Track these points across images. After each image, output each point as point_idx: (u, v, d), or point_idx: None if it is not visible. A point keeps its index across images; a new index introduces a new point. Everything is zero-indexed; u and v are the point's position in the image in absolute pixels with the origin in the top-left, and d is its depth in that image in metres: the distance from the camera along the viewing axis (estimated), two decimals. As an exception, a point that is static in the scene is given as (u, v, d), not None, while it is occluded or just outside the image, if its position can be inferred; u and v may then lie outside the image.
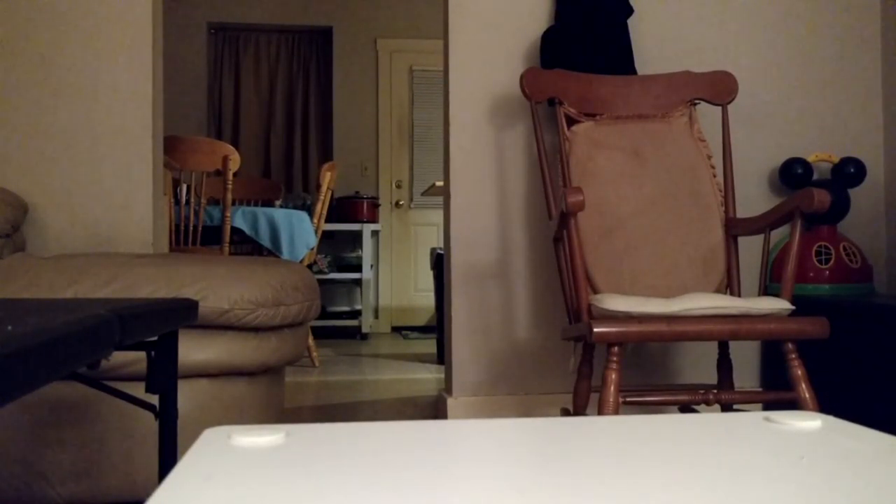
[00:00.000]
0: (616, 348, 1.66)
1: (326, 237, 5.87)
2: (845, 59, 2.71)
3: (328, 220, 5.44)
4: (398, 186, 6.14)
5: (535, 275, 2.52)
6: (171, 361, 1.27)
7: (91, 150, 2.36)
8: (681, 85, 2.23)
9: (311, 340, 3.95)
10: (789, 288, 1.79)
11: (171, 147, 3.29)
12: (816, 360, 2.34)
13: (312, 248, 3.87)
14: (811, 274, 2.45)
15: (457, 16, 2.52)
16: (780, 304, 1.70)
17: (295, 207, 5.45)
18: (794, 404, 1.69)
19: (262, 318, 1.70)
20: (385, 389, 3.28)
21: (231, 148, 3.41)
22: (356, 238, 5.91)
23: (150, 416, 1.62)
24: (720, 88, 2.22)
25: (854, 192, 2.69)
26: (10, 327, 0.68)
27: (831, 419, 0.73)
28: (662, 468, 0.57)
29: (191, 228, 3.39)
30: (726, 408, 2.04)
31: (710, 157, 2.17)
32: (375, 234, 6.04)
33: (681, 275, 2.05)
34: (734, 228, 2.07)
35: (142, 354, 1.60)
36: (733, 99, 2.21)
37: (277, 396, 1.91)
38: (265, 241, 3.62)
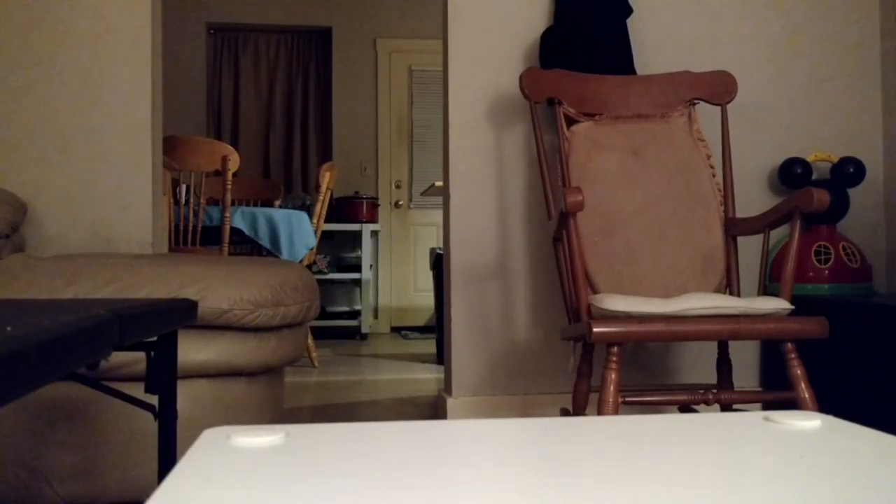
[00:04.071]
0: (616, 348, 1.66)
1: (326, 237, 5.87)
2: (845, 59, 2.71)
3: (328, 221, 5.44)
4: (397, 186, 6.14)
5: (535, 275, 2.52)
6: (171, 362, 1.27)
7: (90, 151, 2.36)
8: (680, 85, 2.23)
9: (310, 341, 3.94)
10: (789, 288, 1.79)
11: (171, 147, 3.29)
12: (816, 360, 2.34)
13: (312, 249, 3.87)
14: (811, 274, 2.45)
15: (456, 16, 2.52)
16: (780, 304, 1.70)
17: (294, 208, 5.45)
18: (793, 404, 1.69)
19: (262, 318, 1.70)
20: (385, 389, 3.28)
21: (230, 148, 3.41)
22: (356, 238, 5.91)
23: (149, 416, 1.62)
24: (719, 88, 2.22)
25: (853, 192, 2.69)
26: (9, 328, 0.68)
27: (831, 419, 0.73)
28: (662, 468, 0.57)
29: (190, 229, 3.39)
30: (726, 408, 2.04)
31: (709, 157, 2.17)
32: (375, 234, 6.04)
33: (680, 275, 2.05)
34: (733, 228, 2.07)
35: (141, 354, 1.60)
36: (732, 99, 2.21)
37: (277, 396, 1.91)
38: (265, 241, 3.62)
